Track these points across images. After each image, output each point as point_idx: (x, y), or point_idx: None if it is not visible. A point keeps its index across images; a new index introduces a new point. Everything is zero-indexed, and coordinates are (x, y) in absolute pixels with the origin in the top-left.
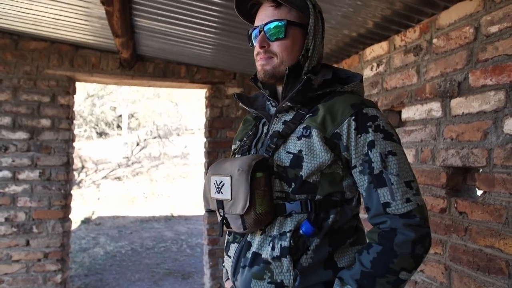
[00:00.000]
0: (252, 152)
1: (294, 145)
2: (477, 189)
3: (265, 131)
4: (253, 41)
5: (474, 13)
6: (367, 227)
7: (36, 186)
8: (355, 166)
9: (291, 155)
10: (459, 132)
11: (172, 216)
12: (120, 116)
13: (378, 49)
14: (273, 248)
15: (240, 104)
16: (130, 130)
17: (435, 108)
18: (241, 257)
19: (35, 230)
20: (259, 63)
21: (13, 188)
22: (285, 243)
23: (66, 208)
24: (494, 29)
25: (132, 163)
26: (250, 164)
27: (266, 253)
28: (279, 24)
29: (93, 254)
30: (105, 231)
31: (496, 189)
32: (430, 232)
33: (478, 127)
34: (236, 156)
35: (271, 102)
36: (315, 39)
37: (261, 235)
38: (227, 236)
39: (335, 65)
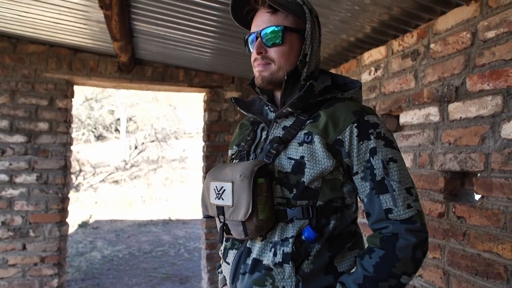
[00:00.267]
0: (251, 158)
1: (295, 151)
2: (475, 193)
3: (264, 136)
4: (250, 46)
5: (471, 18)
6: (365, 231)
7: (33, 190)
8: (356, 173)
9: (293, 161)
10: (457, 136)
11: (170, 220)
12: (118, 119)
13: (376, 53)
14: (274, 254)
15: (238, 108)
16: (128, 134)
17: (433, 112)
18: (241, 263)
19: (31, 234)
20: (256, 69)
21: (10, 192)
22: (288, 249)
23: (63, 212)
24: (491, 34)
25: (130, 167)
26: (252, 170)
27: (267, 259)
28: (276, 29)
29: (90, 258)
30: (102, 235)
31: (494, 193)
32: (428, 237)
33: (475, 131)
34: (234, 161)
35: (269, 107)
36: (313, 44)
37: (261, 241)
38: (224, 242)
39: (333, 70)
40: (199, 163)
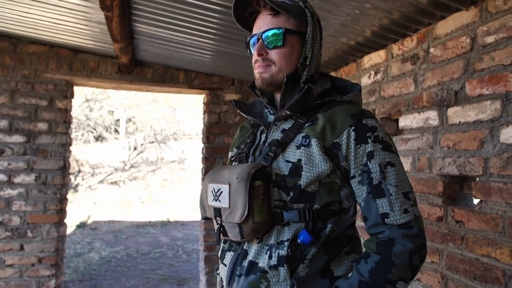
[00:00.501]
0: (250, 160)
1: (293, 154)
2: (473, 198)
3: (263, 139)
4: (251, 48)
5: (471, 23)
6: (363, 235)
7: (31, 190)
8: (354, 176)
9: (290, 164)
10: (456, 141)
11: (169, 221)
12: (118, 120)
13: (375, 57)
14: (270, 257)
15: (238, 111)
16: (127, 135)
17: (432, 116)
18: (237, 265)
19: (29, 234)
20: (257, 71)
21: (8, 192)
22: (283, 252)
23: (62, 212)
24: (490, 39)
25: (129, 168)
26: (249, 172)
27: (263, 262)
28: (277, 32)
29: (88, 259)
30: (100, 236)
31: (492, 198)
32: (426, 243)
33: (474, 136)
34: (234, 163)
35: (269, 109)
36: (313, 48)
37: (258, 243)
38: (222, 244)
39: (333, 73)
40: (198, 165)
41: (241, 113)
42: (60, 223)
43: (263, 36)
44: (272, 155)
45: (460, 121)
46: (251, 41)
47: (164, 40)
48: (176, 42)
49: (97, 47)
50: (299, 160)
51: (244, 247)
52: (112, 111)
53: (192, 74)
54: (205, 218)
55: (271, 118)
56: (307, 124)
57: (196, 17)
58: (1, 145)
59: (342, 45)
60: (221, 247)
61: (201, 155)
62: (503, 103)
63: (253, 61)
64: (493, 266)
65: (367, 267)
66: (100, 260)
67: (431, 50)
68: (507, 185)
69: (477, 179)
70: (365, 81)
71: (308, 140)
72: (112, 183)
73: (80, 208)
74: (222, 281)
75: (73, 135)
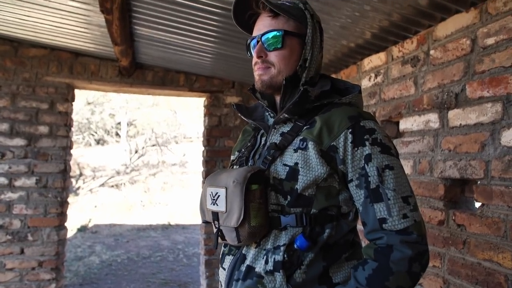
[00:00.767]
0: (249, 164)
1: (290, 157)
2: (475, 201)
3: (263, 142)
4: (251, 51)
5: (471, 25)
6: (364, 240)
7: (32, 193)
8: (351, 180)
9: (287, 168)
10: (457, 143)
11: (169, 224)
12: (119, 123)
13: (376, 59)
14: (266, 262)
15: (239, 114)
16: (128, 138)
17: (433, 119)
18: (235, 269)
19: (30, 238)
20: (256, 73)
21: (9, 195)
22: (279, 257)
23: (62, 216)
24: (490, 41)
25: (130, 171)
26: (245, 176)
27: (259, 267)
28: (277, 34)
29: (88, 263)
30: (101, 240)
31: (494, 201)
32: (427, 250)
33: (475, 138)
34: (234, 167)
35: (269, 112)
36: (313, 50)
37: (255, 248)
38: (222, 248)
39: (333, 75)
40: (199, 168)
41: (242, 117)
42: (60, 227)
43: (262, 38)
44: (270, 158)
45: (461, 124)
46: (251, 44)
47: (164, 43)
48: (176, 45)
49: (98, 50)
50: (296, 164)
51: (243, 252)
52: (113, 114)
53: (192, 77)
54: (206, 222)
55: (271, 121)
56: (305, 127)
57: (196, 20)
58: (2, 148)
59: (342, 47)
60: (221, 251)
61: (201, 158)
62: (504, 106)
63: (253, 63)
64: (496, 270)
65: (365, 274)
66: (101, 264)
67: (431, 52)
68: (509, 188)
69: (479, 182)
70: (365, 83)
71: (305, 143)
72: (113, 186)
73: (81, 212)
74: (222, 285)
75: (74, 138)
